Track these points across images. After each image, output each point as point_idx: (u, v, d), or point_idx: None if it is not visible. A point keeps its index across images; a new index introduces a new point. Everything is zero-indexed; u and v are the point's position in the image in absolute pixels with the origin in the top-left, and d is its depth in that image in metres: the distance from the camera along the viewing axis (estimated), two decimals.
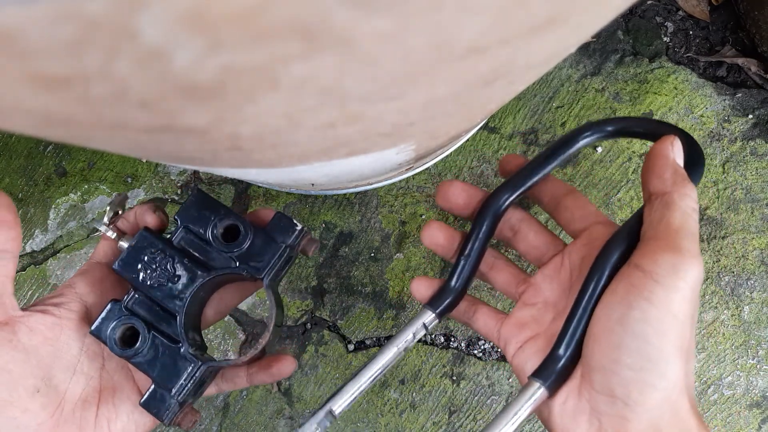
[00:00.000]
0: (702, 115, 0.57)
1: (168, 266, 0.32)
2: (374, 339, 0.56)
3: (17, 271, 0.59)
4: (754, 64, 0.57)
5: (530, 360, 0.30)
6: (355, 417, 0.56)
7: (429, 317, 0.34)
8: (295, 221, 0.34)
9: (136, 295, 0.32)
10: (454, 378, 0.56)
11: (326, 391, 0.56)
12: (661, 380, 0.24)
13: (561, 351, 0.28)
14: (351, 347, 0.56)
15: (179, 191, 0.59)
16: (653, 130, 0.30)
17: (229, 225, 0.33)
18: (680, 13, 0.59)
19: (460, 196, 0.33)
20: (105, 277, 0.34)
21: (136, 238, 0.33)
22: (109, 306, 0.32)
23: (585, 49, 0.58)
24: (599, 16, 0.19)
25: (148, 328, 0.32)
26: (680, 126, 0.57)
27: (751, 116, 0.57)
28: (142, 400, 0.32)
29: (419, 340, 0.56)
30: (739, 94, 0.57)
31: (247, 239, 0.33)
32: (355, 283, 0.57)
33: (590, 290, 0.27)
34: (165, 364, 0.31)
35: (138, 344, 0.31)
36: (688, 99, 0.57)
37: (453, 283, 0.33)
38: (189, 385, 0.32)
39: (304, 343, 0.57)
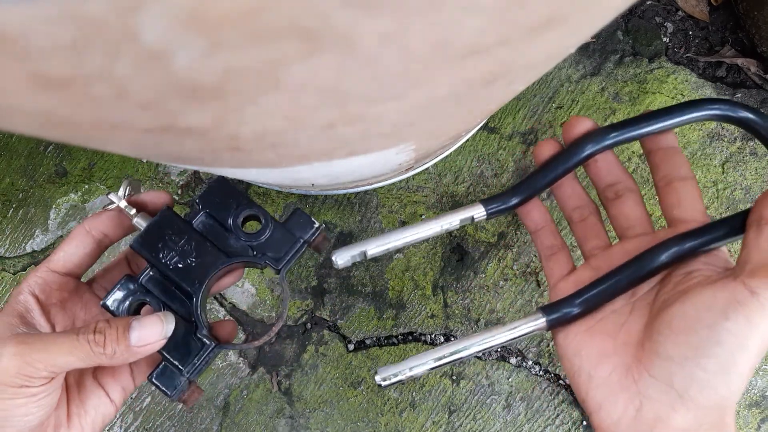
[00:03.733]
0: None
1: (189, 247, 0.32)
2: (374, 339, 0.56)
3: (17, 272, 0.59)
4: (754, 64, 0.57)
5: (572, 328, 0.31)
6: (355, 416, 0.56)
7: (479, 212, 0.33)
8: (313, 219, 0.34)
9: (152, 273, 0.33)
10: (454, 377, 0.56)
11: (326, 391, 0.56)
12: (725, 388, 0.25)
13: (578, 303, 0.30)
14: (351, 347, 0.56)
15: (179, 191, 0.59)
16: None
17: (249, 215, 0.34)
18: (680, 13, 0.59)
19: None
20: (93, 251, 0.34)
21: (159, 215, 0.33)
22: (122, 280, 0.32)
23: (585, 50, 0.58)
24: (599, 17, 0.19)
25: (162, 307, 0.32)
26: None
27: None
28: (153, 376, 0.32)
29: (419, 341, 0.56)
30: (739, 95, 0.57)
31: (267, 230, 0.33)
32: (355, 283, 0.57)
33: (640, 265, 0.29)
34: (177, 344, 0.32)
35: None
36: (687, 99, 0.57)
37: (518, 193, 0.34)
38: (201, 365, 0.32)
39: (304, 343, 0.57)
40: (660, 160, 0.33)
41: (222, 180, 0.34)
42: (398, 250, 0.32)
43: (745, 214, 0.28)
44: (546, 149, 0.33)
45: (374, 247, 0.32)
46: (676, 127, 0.31)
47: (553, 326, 0.31)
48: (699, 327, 0.25)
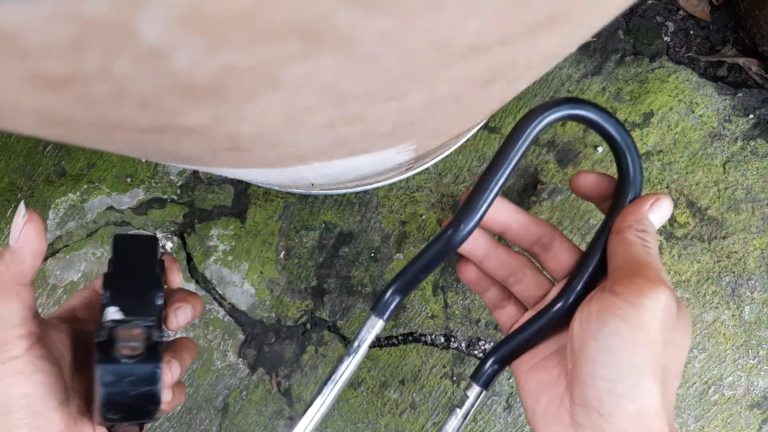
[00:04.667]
0: (702, 115, 0.57)
1: None
2: (374, 339, 0.56)
3: None
4: (755, 63, 0.57)
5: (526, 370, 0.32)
6: (355, 417, 0.56)
7: (377, 327, 0.34)
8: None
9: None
10: (454, 378, 0.55)
11: None
12: (633, 391, 0.25)
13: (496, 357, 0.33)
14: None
15: (179, 191, 0.59)
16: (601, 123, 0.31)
17: None
18: (681, 12, 0.59)
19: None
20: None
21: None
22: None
23: (585, 49, 0.58)
24: (599, 16, 0.19)
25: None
26: (680, 126, 0.57)
27: (751, 116, 0.57)
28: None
29: (419, 341, 0.56)
30: (740, 94, 0.57)
31: None
32: (355, 283, 0.57)
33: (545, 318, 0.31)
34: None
35: None
36: (688, 99, 0.57)
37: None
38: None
39: (303, 344, 0.57)
40: (518, 233, 0.35)
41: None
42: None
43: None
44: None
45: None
46: (531, 143, 0.31)
47: (485, 385, 0.33)
48: (587, 341, 0.26)
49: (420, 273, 0.32)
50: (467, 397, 0.33)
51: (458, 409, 0.33)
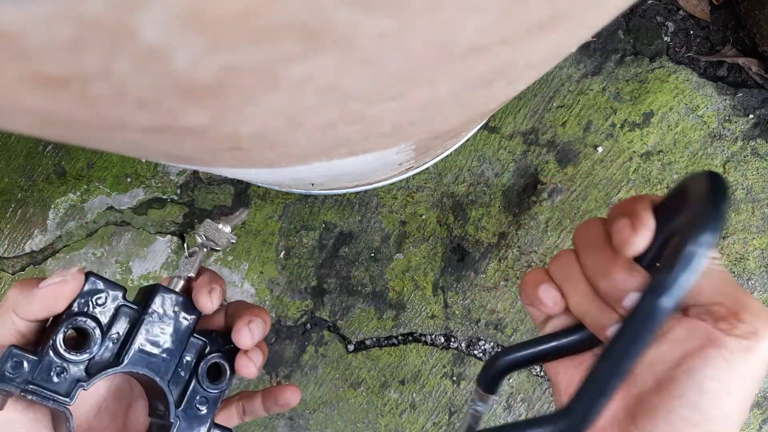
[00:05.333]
0: (703, 115, 0.57)
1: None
2: (374, 339, 0.56)
3: (16, 272, 0.59)
4: (755, 63, 0.57)
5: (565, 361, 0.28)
6: (355, 417, 0.56)
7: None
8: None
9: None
10: (455, 378, 0.55)
11: (326, 392, 0.56)
12: None
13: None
14: (351, 347, 0.56)
15: (179, 191, 0.59)
16: None
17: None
18: (681, 12, 0.59)
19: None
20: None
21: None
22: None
23: (585, 49, 0.58)
24: (599, 16, 0.19)
25: None
26: (681, 125, 0.57)
27: (751, 116, 0.57)
28: None
29: (419, 341, 0.56)
30: (740, 94, 0.57)
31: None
32: (355, 283, 0.57)
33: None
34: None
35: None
36: (688, 99, 0.57)
37: None
38: None
39: (303, 344, 0.56)
40: None
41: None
42: None
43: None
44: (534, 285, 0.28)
45: None
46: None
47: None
48: (677, 374, 0.24)
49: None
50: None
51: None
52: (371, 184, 0.53)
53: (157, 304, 0.29)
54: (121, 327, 0.29)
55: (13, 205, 0.59)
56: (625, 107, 0.57)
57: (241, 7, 0.11)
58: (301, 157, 0.26)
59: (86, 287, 0.28)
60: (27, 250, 0.59)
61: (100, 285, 0.29)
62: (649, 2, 0.59)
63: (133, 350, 0.28)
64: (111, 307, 0.29)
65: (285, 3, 0.11)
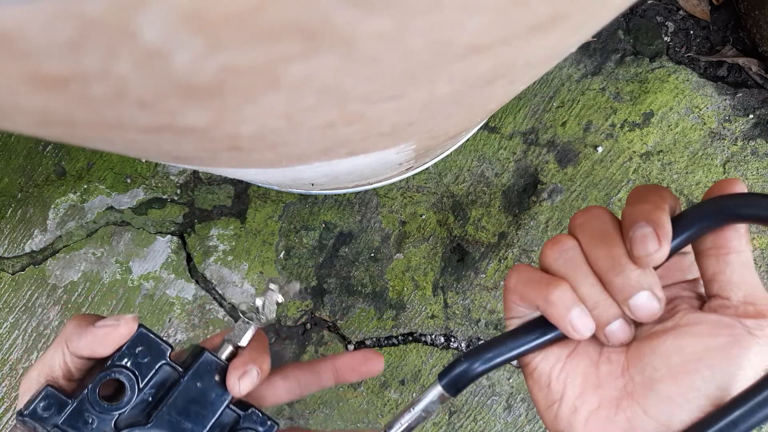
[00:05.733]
0: (703, 115, 0.57)
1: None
2: (374, 339, 0.56)
3: (15, 272, 0.59)
4: (755, 63, 0.57)
5: (553, 348, 0.27)
6: (354, 417, 0.56)
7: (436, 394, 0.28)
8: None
9: None
10: None
11: (326, 392, 0.56)
12: None
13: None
14: (351, 347, 0.56)
15: (179, 191, 0.59)
16: None
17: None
18: (681, 12, 0.59)
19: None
20: None
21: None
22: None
23: (585, 49, 0.58)
24: (600, 16, 0.19)
25: None
26: (680, 126, 0.57)
27: (751, 116, 0.57)
28: None
29: (419, 341, 0.56)
30: (740, 94, 0.57)
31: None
32: (355, 283, 0.57)
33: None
34: None
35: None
36: (688, 99, 0.57)
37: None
38: None
39: (303, 344, 0.56)
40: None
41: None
42: None
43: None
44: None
45: None
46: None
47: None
48: (700, 367, 0.24)
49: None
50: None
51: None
52: (371, 184, 0.53)
53: (199, 370, 0.28)
54: (157, 385, 0.28)
55: (13, 205, 0.59)
56: (625, 107, 0.57)
57: (241, 7, 0.11)
58: (301, 157, 0.26)
59: (135, 338, 0.28)
60: (27, 250, 0.59)
61: (149, 339, 0.28)
62: (649, 2, 0.59)
63: (163, 412, 0.28)
64: (154, 363, 0.28)
65: (285, 3, 0.11)
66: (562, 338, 0.27)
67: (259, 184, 0.58)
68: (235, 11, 0.11)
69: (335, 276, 0.57)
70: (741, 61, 0.57)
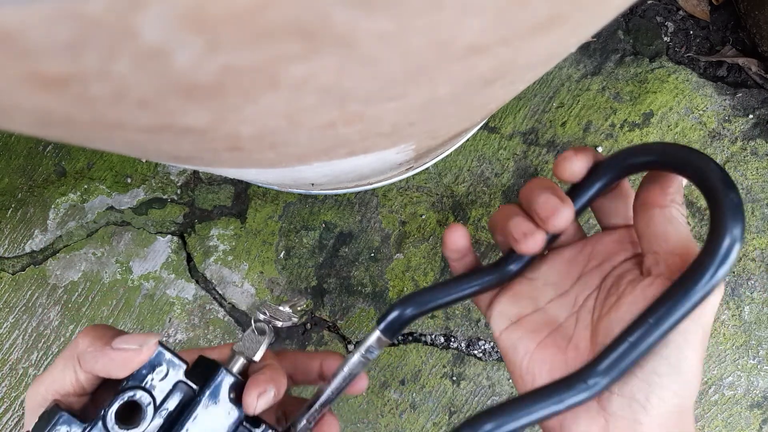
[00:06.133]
0: (702, 115, 0.57)
1: None
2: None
3: (16, 272, 0.59)
4: (755, 63, 0.57)
5: (522, 341, 0.29)
6: (354, 417, 0.56)
7: (374, 339, 0.31)
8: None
9: None
10: (455, 378, 0.55)
11: None
12: (683, 388, 0.25)
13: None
14: (351, 347, 0.56)
15: (179, 191, 0.59)
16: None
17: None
18: (680, 12, 0.59)
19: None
20: None
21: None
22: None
23: (585, 49, 0.58)
24: (600, 16, 0.19)
25: None
26: (680, 126, 0.57)
27: (751, 116, 0.57)
28: None
29: (419, 341, 0.56)
30: (740, 94, 0.57)
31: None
32: (355, 283, 0.57)
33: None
34: None
35: None
36: (688, 99, 0.57)
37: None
38: None
39: (304, 344, 0.56)
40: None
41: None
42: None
43: None
44: (457, 236, 0.31)
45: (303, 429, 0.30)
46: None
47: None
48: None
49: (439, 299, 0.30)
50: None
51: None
52: (371, 184, 0.53)
53: (216, 389, 0.28)
54: (173, 404, 0.27)
55: (13, 205, 0.59)
56: (624, 107, 0.57)
57: (241, 7, 0.11)
58: (301, 157, 0.26)
59: (152, 358, 0.27)
60: (27, 250, 0.59)
61: (166, 358, 0.27)
62: (649, 2, 0.59)
63: (178, 430, 0.27)
64: (170, 382, 0.27)
65: (285, 3, 0.11)
66: (492, 285, 0.30)
67: (259, 184, 0.58)
68: (235, 11, 0.11)
69: (335, 276, 0.57)
70: (741, 61, 0.57)
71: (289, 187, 0.54)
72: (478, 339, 0.56)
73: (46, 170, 0.60)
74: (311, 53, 0.13)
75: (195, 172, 0.59)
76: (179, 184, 0.59)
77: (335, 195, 0.58)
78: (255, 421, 0.29)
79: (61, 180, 0.59)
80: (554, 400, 0.26)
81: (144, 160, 0.60)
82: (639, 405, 0.25)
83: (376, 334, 0.30)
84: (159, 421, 0.27)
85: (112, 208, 0.59)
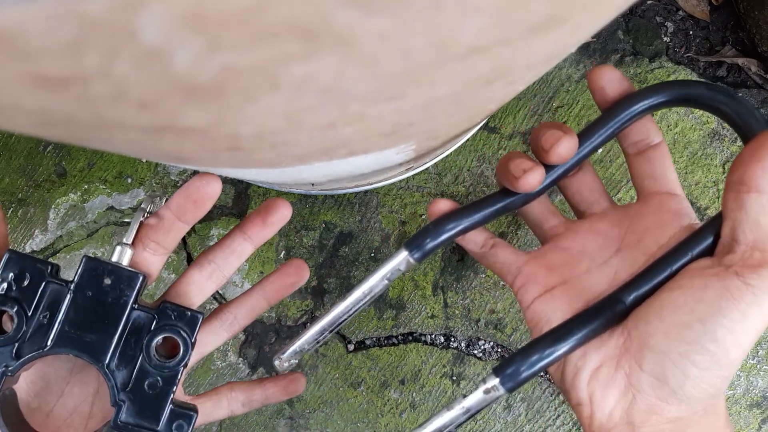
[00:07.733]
0: (702, 115, 0.57)
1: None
2: (374, 339, 0.56)
3: None
4: (755, 64, 0.57)
5: (556, 312, 0.29)
6: (354, 417, 0.56)
7: (402, 259, 0.32)
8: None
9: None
10: (454, 378, 0.55)
11: (326, 392, 0.56)
12: (718, 382, 0.24)
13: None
14: (351, 347, 0.56)
15: None
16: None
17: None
18: (680, 13, 0.59)
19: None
20: None
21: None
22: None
23: (585, 49, 0.58)
24: (600, 16, 0.19)
25: None
26: (680, 126, 0.57)
27: None
28: None
29: (419, 341, 0.56)
30: (740, 94, 0.57)
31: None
32: (355, 283, 0.57)
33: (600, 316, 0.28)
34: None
35: None
36: None
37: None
38: None
39: None
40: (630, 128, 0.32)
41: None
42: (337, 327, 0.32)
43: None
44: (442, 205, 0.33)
45: (312, 339, 0.31)
46: (641, 115, 0.30)
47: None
48: (691, 321, 0.24)
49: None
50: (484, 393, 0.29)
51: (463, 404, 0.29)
52: (371, 184, 0.53)
53: (82, 278, 0.27)
54: (49, 306, 0.26)
55: (13, 205, 0.59)
56: None
57: (241, 7, 0.11)
58: (301, 157, 0.26)
59: (4, 264, 0.26)
60: (27, 250, 0.59)
61: (22, 260, 0.27)
62: (649, 2, 0.59)
63: (57, 331, 0.26)
64: (36, 284, 0.26)
65: (285, 3, 0.11)
66: (513, 207, 0.32)
67: (260, 184, 0.58)
68: (235, 11, 0.11)
69: (335, 276, 0.57)
70: (740, 61, 0.57)
71: (289, 187, 0.54)
72: (478, 339, 0.56)
73: (46, 170, 0.60)
74: (311, 53, 0.13)
75: (195, 172, 0.59)
76: (179, 184, 0.59)
77: (335, 195, 0.58)
78: (153, 305, 0.29)
79: (62, 180, 0.59)
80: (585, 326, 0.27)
81: (144, 160, 0.60)
82: (670, 390, 0.25)
83: (403, 254, 0.31)
84: (39, 324, 0.26)
85: (112, 208, 0.59)
